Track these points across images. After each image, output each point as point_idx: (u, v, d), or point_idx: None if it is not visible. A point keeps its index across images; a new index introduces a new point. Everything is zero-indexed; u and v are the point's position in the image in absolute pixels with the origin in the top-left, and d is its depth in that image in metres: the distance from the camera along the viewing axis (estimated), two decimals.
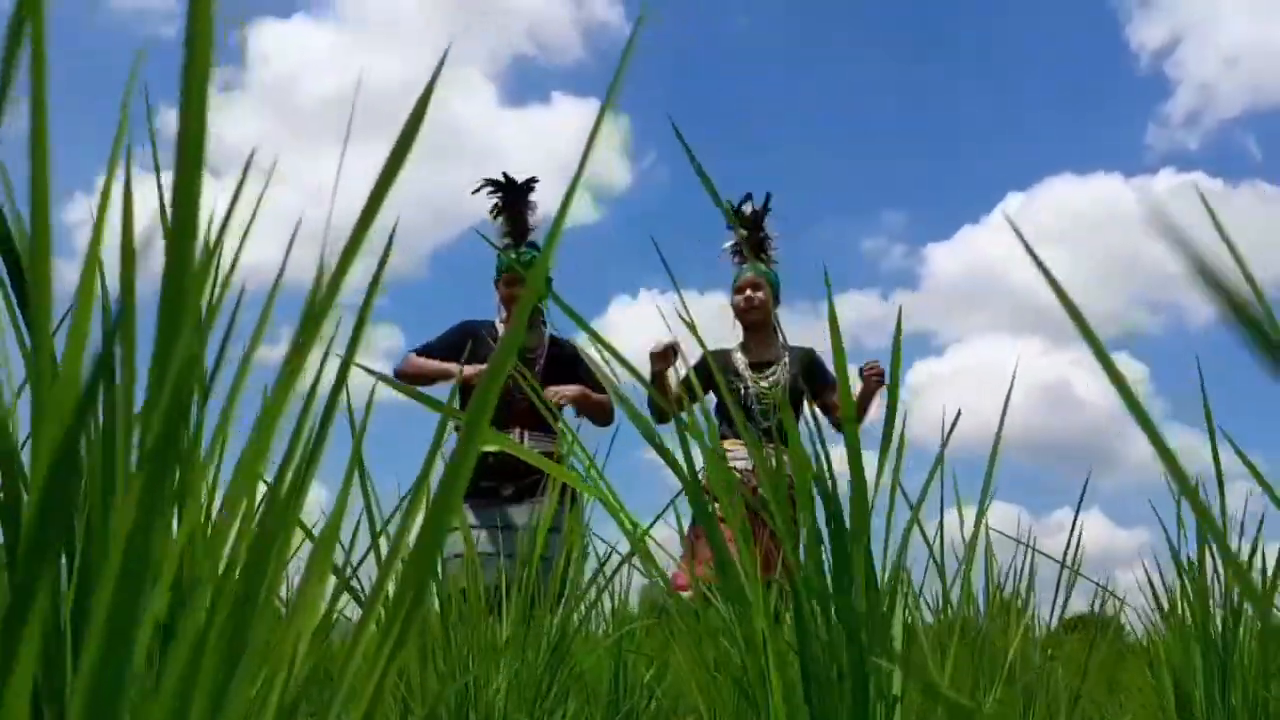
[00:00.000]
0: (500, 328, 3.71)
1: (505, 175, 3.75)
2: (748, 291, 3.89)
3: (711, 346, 4.03)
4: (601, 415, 3.64)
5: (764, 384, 3.81)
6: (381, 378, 0.97)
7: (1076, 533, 1.70)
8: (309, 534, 1.06)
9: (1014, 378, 1.31)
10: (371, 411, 0.88)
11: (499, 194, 3.76)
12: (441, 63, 0.48)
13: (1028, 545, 1.57)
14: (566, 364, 3.63)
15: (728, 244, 4.01)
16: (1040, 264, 0.44)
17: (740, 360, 3.89)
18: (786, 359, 3.88)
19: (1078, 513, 1.70)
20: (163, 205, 0.76)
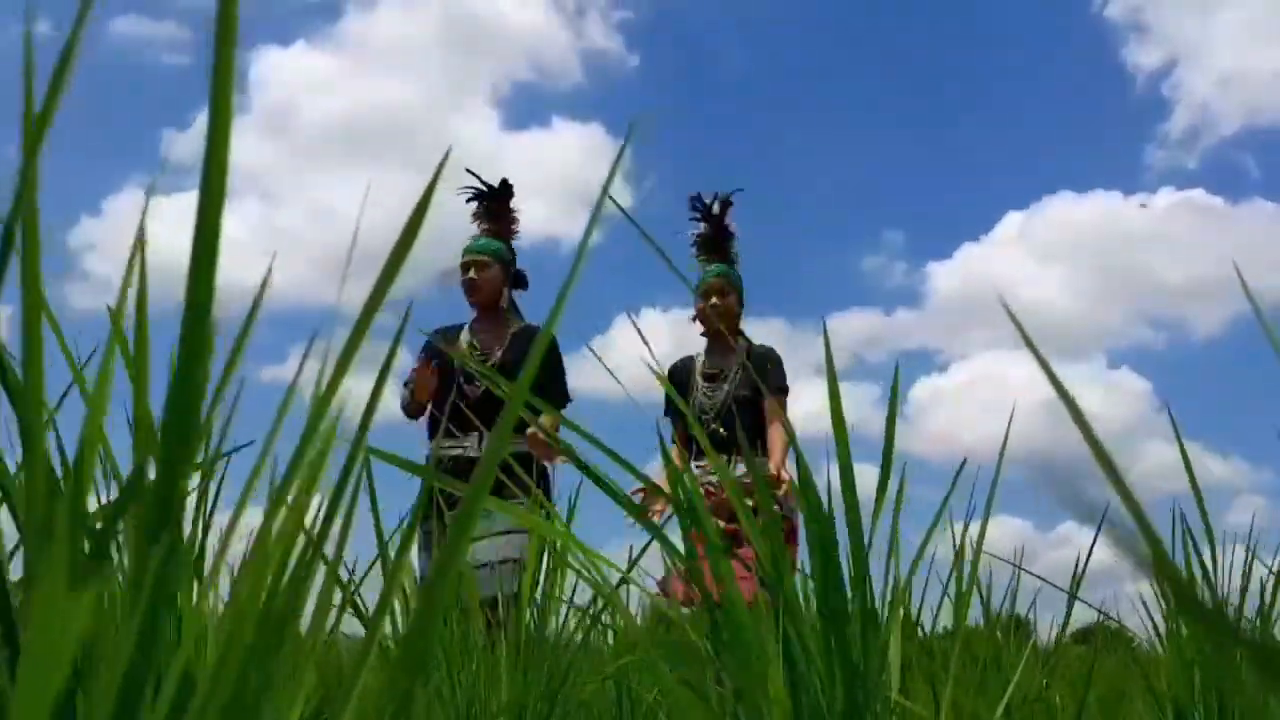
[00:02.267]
0: (465, 330, 3.68)
1: (481, 181, 3.77)
2: (714, 299, 3.79)
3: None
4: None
5: (711, 396, 3.73)
6: (397, 461, 0.97)
7: (1081, 550, 1.70)
8: (342, 587, 1.06)
9: (1016, 405, 1.31)
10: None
11: (478, 200, 3.78)
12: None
13: (1018, 566, 1.56)
14: (524, 357, 3.53)
15: (692, 234, 3.92)
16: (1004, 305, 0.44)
17: (698, 368, 3.82)
18: (738, 367, 3.74)
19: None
20: (141, 228, 0.76)
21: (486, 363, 3.51)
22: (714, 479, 3.55)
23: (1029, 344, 0.44)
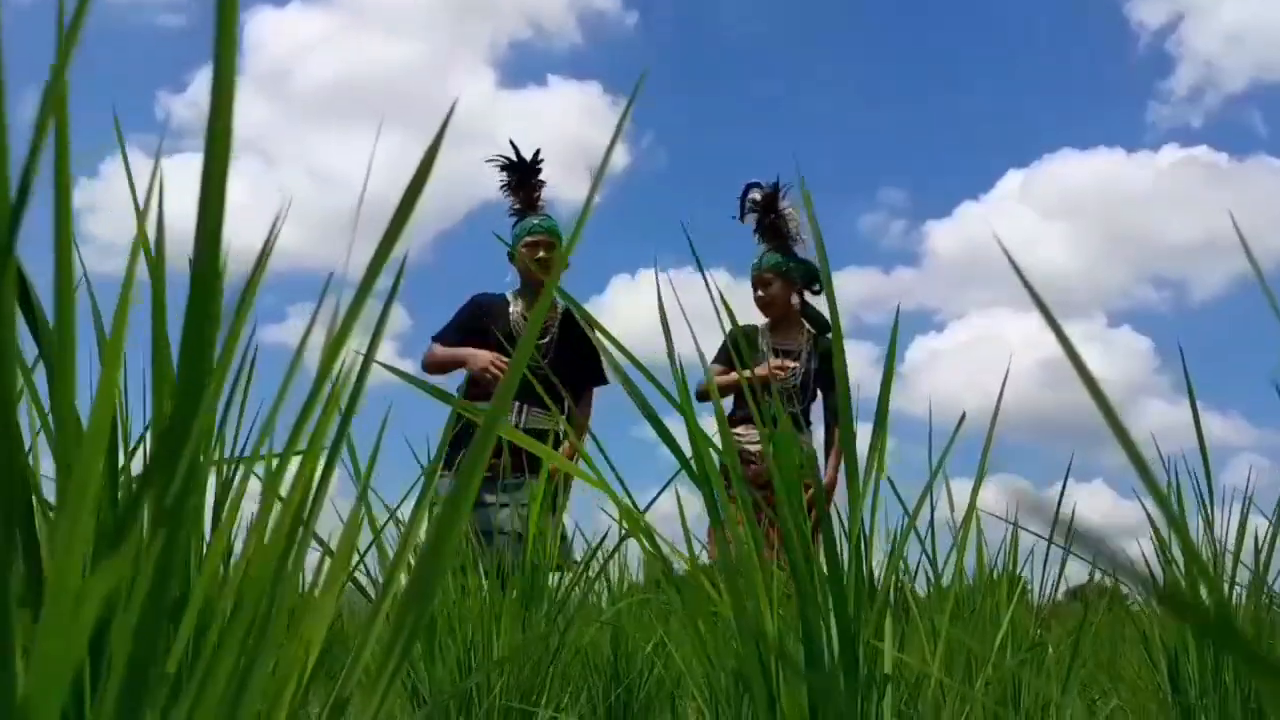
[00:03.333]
0: (511, 299, 3.75)
1: (517, 153, 3.83)
2: (759, 291, 3.92)
3: (714, 327, 4.06)
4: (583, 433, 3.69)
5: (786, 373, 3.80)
6: (405, 376, 0.98)
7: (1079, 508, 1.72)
8: (327, 550, 1.07)
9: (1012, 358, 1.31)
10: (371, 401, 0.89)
11: (510, 171, 3.83)
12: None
13: (1014, 523, 1.58)
14: (579, 339, 3.66)
15: (751, 224, 3.98)
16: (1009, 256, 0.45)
17: (765, 342, 3.90)
18: (808, 349, 3.89)
19: (1064, 486, 1.71)
20: (159, 192, 0.76)
21: (543, 338, 3.64)
22: (754, 448, 3.64)
23: (1038, 302, 0.44)
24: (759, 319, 4.01)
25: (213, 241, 0.41)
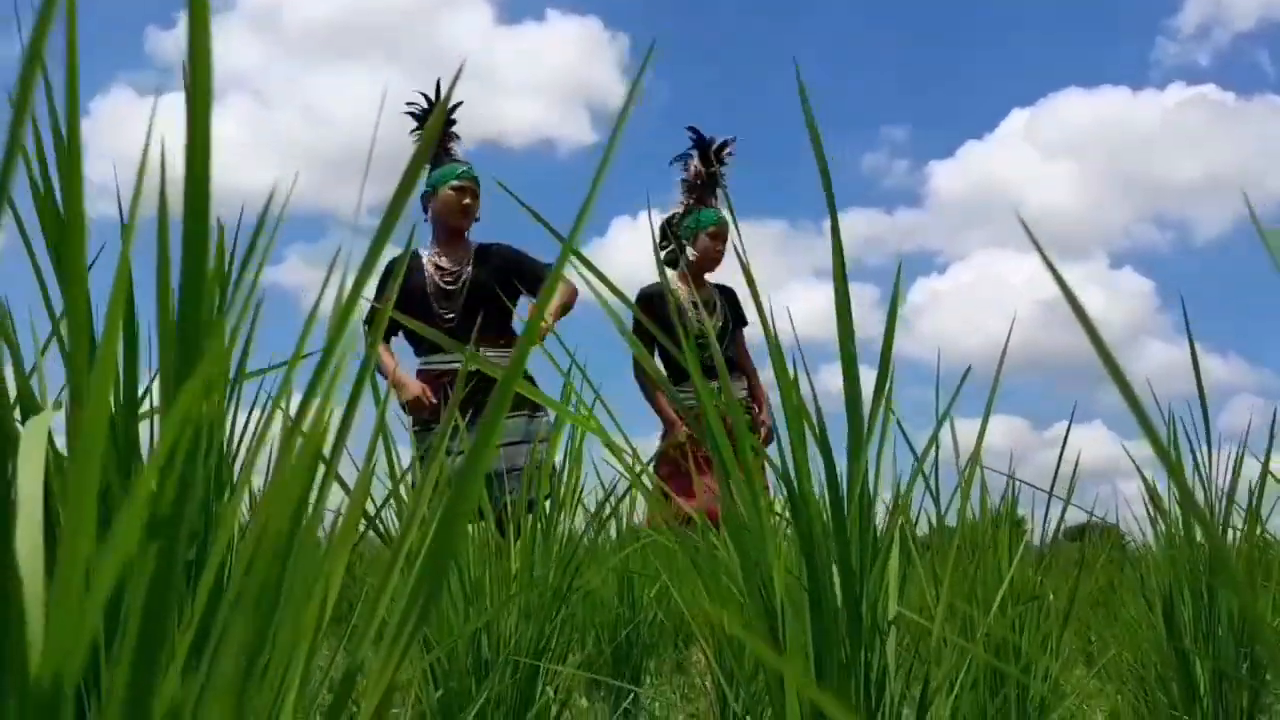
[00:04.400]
0: (423, 256, 3.72)
1: (432, 97, 3.81)
2: (720, 244, 4.07)
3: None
4: (567, 308, 3.69)
5: (711, 322, 4.07)
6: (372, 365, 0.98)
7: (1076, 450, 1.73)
8: (344, 487, 1.09)
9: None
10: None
11: (422, 113, 3.82)
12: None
13: (1010, 476, 1.60)
14: (498, 271, 3.65)
15: (689, 169, 4.14)
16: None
17: (683, 297, 4.05)
18: (717, 299, 4.17)
19: (1068, 430, 1.72)
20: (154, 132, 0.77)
21: (458, 281, 3.63)
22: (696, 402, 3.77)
23: (1037, 248, 0.45)
24: (654, 274, 4.28)
25: (200, 187, 0.42)
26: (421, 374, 3.68)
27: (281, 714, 0.58)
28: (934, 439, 1.10)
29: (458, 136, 3.85)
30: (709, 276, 4.20)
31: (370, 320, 3.62)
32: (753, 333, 4.26)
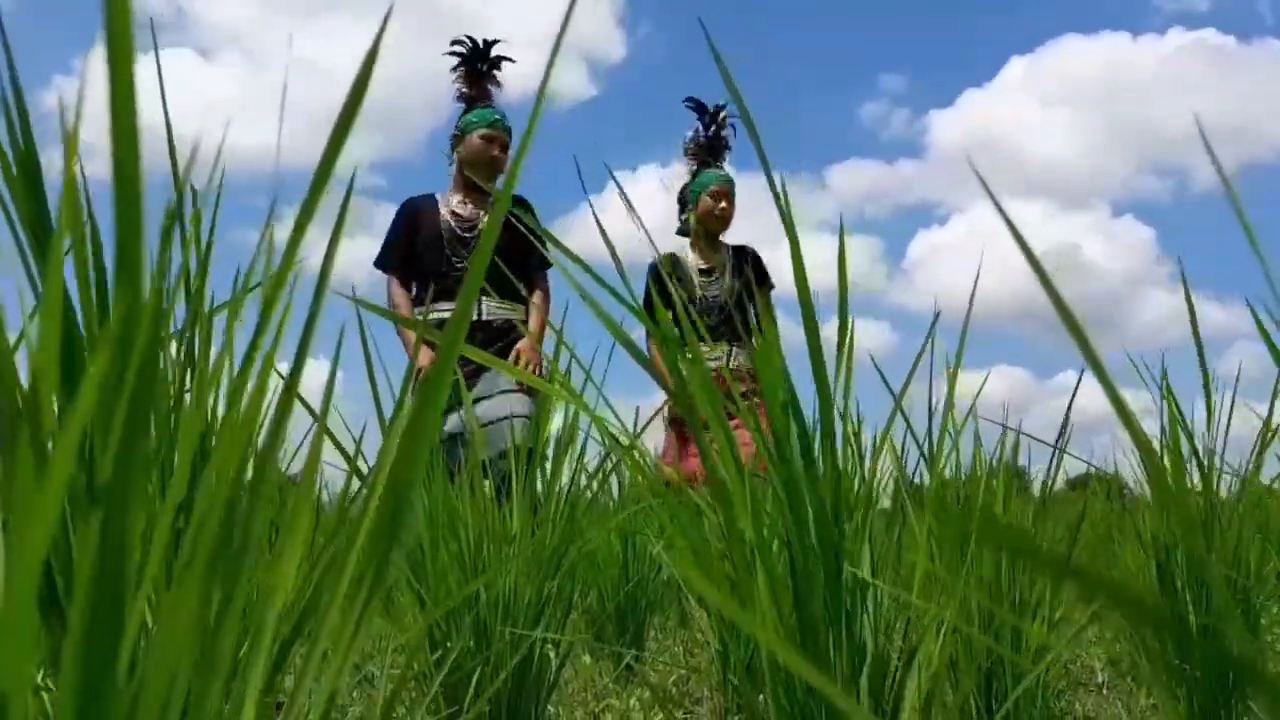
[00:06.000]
0: (440, 200, 3.64)
1: (473, 39, 3.70)
2: (723, 203, 4.01)
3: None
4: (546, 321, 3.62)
5: (714, 288, 4.00)
6: (361, 303, 0.98)
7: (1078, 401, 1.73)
8: (326, 430, 1.10)
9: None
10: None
11: (465, 55, 3.70)
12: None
13: (1006, 426, 1.59)
14: (514, 228, 3.54)
15: (689, 136, 4.12)
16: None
17: (691, 264, 4.03)
18: (729, 262, 4.06)
19: (1077, 387, 1.72)
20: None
21: (473, 231, 3.55)
22: (712, 365, 3.79)
23: (989, 194, 0.44)
24: (671, 242, 4.17)
25: (129, 147, 0.42)
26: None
27: (254, 658, 0.58)
28: (908, 380, 1.09)
29: (499, 84, 3.72)
30: (725, 238, 4.13)
31: (385, 261, 3.61)
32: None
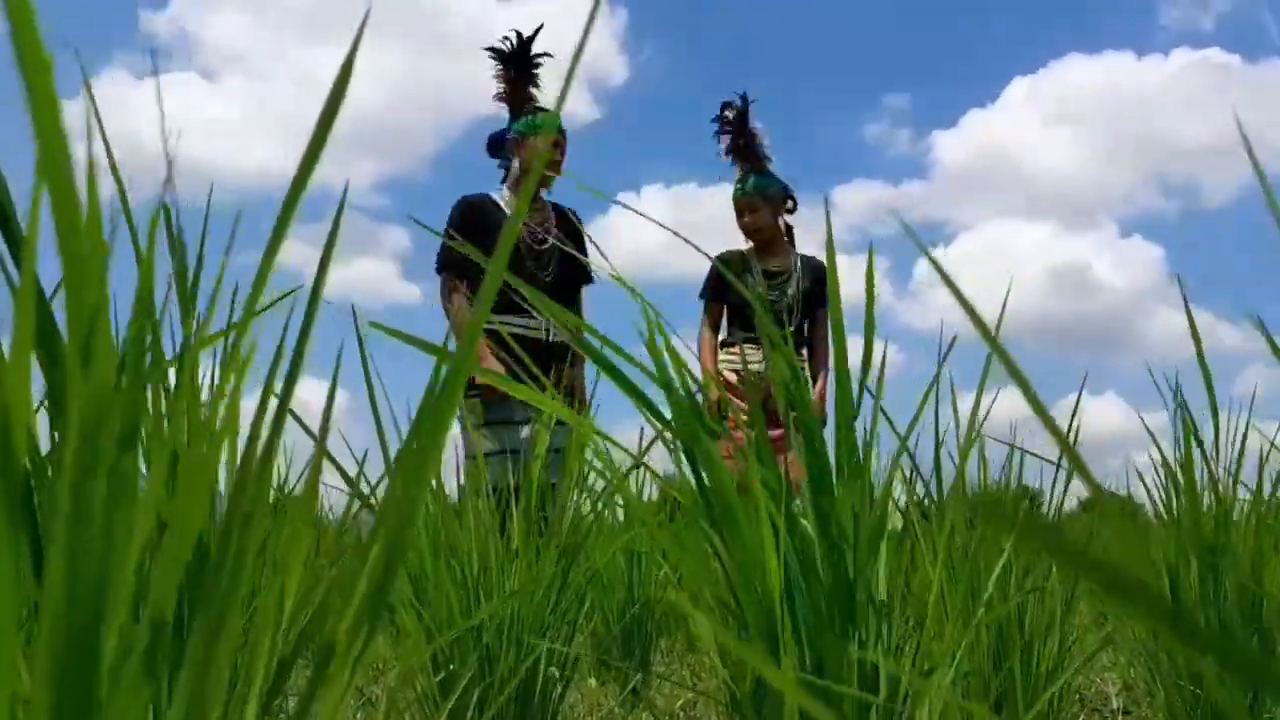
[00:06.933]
0: (497, 197, 3.47)
1: (518, 41, 3.53)
2: (746, 217, 3.88)
3: (721, 242, 4.07)
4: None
5: (776, 293, 3.84)
6: (398, 335, 0.96)
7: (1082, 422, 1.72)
8: (325, 452, 1.08)
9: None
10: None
11: (505, 55, 3.54)
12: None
13: (1013, 445, 1.58)
14: (575, 236, 3.48)
15: (723, 144, 3.95)
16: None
17: (755, 267, 3.89)
18: (799, 269, 3.89)
19: (1078, 401, 1.70)
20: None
21: (543, 244, 3.40)
22: (757, 365, 3.71)
23: (911, 238, 0.43)
24: (743, 241, 4.01)
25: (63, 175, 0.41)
26: (488, 334, 3.23)
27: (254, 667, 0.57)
28: (920, 409, 1.08)
29: (539, 85, 3.54)
30: (802, 249, 3.98)
31: (445, 264, 3.35)
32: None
